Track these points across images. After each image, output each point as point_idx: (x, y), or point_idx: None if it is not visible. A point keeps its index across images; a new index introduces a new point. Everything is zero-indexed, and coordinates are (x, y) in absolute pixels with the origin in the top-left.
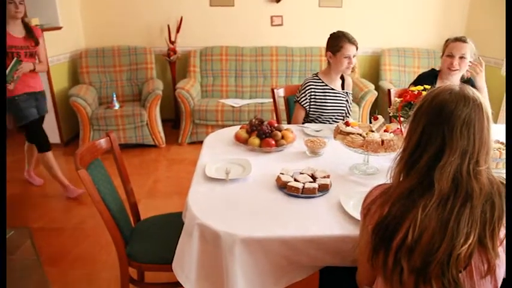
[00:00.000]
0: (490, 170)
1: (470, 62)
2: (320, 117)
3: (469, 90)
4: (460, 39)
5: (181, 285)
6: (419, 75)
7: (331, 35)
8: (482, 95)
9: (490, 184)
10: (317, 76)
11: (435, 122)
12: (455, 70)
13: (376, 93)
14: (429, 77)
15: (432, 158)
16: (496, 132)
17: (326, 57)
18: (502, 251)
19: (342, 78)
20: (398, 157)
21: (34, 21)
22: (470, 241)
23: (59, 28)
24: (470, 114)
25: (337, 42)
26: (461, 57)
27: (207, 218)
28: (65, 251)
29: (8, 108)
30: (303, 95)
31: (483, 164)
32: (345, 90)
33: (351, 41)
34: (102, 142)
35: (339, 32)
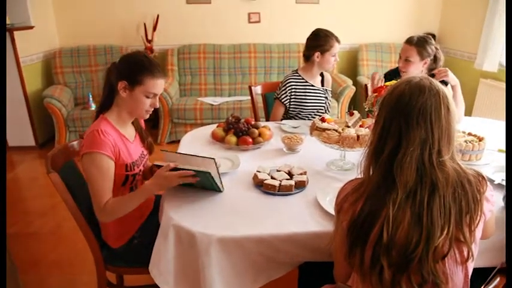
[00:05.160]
0: (456, 160)
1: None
2: (300, 114)
3: (427, 80)
4: (407, 41)
5: None
6: (385, 73)
7: (316, 34)
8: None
9: (456, 173)
10: (297, 73)
11: (393, 115)
12: (403, 72)
13: (354, 88)
14: (393, 74)
15: (392, 151)
16: (469, 124)
17: (312, 57)
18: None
19: (322, 75)
20: (366, 151)
21: None
22: (446, 232)
23: (31, 27)
24: (425, 103)
25: (327, 42)
26: (406, 60)
27: (182, 219)
28: (41, 256)
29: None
30: (283, 91)
31: (446, 154)
32: (324, 87)
33: (338, 39)
34: (75, 144)
35: (325, 31)
